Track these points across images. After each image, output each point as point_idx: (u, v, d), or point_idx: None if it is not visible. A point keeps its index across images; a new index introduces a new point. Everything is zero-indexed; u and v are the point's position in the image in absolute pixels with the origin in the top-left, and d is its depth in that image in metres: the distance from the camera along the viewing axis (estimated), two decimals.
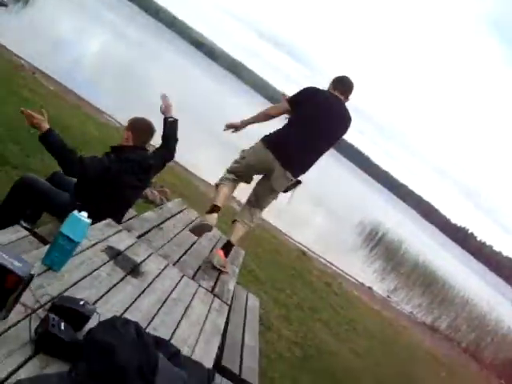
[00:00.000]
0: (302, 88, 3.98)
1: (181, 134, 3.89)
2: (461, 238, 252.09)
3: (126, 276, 2.38)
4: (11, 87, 7.69)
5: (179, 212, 4.45)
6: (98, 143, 7.74)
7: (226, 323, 3.75)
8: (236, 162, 4.05)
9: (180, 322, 2.34)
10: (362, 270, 17.59)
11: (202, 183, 11.75)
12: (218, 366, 2.91)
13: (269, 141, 3.85)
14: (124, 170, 3.29)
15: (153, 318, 2.18)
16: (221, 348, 3.29)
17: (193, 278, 3.09)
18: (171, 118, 3.81)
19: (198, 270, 3.35)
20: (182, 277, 2.91)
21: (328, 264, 13.64)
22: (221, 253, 3.85)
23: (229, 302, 3.12)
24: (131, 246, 2.78)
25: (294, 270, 9.17)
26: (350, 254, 19.65)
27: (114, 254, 2.51)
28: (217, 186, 4.04)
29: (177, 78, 33.11)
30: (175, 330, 2.22)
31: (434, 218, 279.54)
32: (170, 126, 3.80)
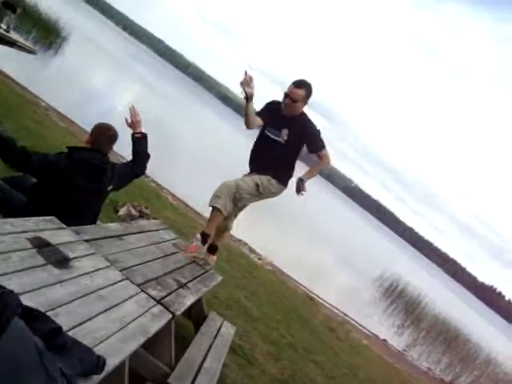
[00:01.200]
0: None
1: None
2: (488, 296, 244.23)
3: (46, 264, 2.23)
4: (15, 116, 7.81)
5: (152, 230, 4.30)
6: None
7: (187, 345, 3.55)
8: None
9: (96, 316, 2.15)
10: (377, 322, 17.01)
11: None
12: (164, 383, 2.71)
13: None
14: (72, 169, 3.20)
15: (60, 305, 2.00)
16: (172, 367, 3.09)
17: (139, 285, 2.89)
18: (139, 133, 3.73)
19: (152, 280, 3.15)
20: (123, 280, 2.73)
21: (337, 311, 13.19)
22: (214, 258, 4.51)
23: (177, 313, 2.90)
24: (69, 242, 2.63)
25: (294, 313, 8.82)
26: (366, 305, 19.06)
27: (40, 244, 2.37)
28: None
29: (205, 131, 33.83)
30: (85, 321, 2.04)
31: (460, 276, 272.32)
32: (138, 142, 3.73)
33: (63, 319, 1.90)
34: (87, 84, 21.52)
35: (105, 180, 3.49)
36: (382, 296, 23.59)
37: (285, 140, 4.20)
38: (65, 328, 1.84)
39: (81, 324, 1.98)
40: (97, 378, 1.69)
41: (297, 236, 24.25)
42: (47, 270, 2.21)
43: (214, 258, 4.66)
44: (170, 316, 2.77)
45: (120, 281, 2.69)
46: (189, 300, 3.34)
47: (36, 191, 3.29)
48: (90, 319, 2.07)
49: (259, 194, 4.20)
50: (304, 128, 4.23)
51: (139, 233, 3.97)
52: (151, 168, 4.27)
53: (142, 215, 6.70)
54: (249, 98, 4.00)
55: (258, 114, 4.25)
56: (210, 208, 4.13)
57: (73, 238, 2.76)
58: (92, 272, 2.51)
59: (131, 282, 2.81)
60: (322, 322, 9.71)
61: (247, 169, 4.52)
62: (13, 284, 1.88)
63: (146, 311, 2.56)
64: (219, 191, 4.04)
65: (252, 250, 13.54)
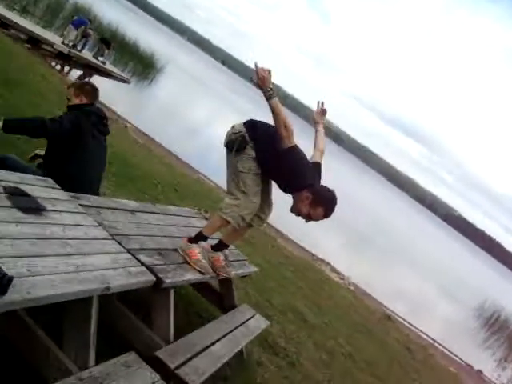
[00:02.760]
0: None
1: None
2: None
3: (10, 207, 2.23)
4: None
5: (180, 215, 4.25)
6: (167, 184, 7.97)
7: (193, 328, 3.38)
8: None
9: (47, 256, 2.09)
10: (473, 351, 15.73)
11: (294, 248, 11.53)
12: (148, 355, 2.59)
13: None
14: (91, 123, 3.56)
15: (3, 238, 1.97)
16: (170, 343, 2.95)
17: (129, 250, 2.79)
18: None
19: (150, 250, 3.05)
20: (107, 239, 2.67)
21: (422, 335, 12.35)
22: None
23: (167, 281, 2.77)
24: (53, 199, 2.63)
25: (363, 327, 8.34)
26: (461, 333, 17.74)
27: (15, 192, 2.39)
28: None
29: None
30: (28, 256, 1.98)
31: None
32: None
33: (0, 248, 1.87)
34: (174, 109, 22.36)
35: (107, 126, 3.88)
36: (481, 325, 21.86)
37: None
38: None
39: (19, 257, 1.92)
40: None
41: (391, 261, 23.42)
42: (9, 211, 2.20)
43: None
44: (153, 279, 2.65)
45: (102, 239, 2.63)
46: (193, 275, 3.21)
47: (51, 156, 3.49)
48: (37, 256, 2.02)
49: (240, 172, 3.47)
50: None
51: (160, 214, 3.93)
52: None
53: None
54: (272, 91, 3.19)
55: None
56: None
57: (62, 197, 2.76)
58: (68, 225, 2.47)
59: (118, 243, 2.74)
60: (398, 341, 9.11)
61: None
62: None
63: (121, 268, 2.46)
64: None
65: (334, 270, 13.26)
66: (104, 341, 2.48)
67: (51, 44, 14.92)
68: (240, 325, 3.92)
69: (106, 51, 18.78)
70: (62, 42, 15.75)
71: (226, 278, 3.99)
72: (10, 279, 1.65)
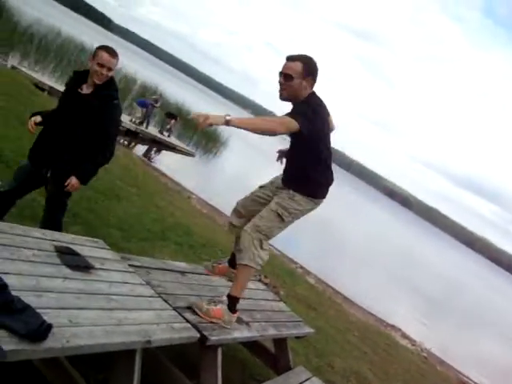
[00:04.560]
0: None
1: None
2: None
3: (59, 264, 2.36)
4: (152, 195, 8.59)
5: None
6: None
7: None
8: None
9: (91, 309, 2.18)
10: None
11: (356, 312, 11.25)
12: None
13: None
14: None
15: (50, 291, 2.08)
16: None
17: (176, 308, 2.84)
18: None
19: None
20: (153, 297, 2.74)
21: None
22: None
23: (212, 338, 2.79)
24: (102, 258, 2.76)
25: None
26: None
27: (65, 251, 2.52)
28: None
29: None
30: (72, 308, 2.08)
31: None
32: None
33: (43, 300, 1.97)
34: (238, 180, 22.85)
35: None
36: None
37: (293, 138, 3.31)
38: (41, 306, 1.91)
39: (63, 309, 2.02)
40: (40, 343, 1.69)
41: (467, 325, 22.11)
42: (57, 268, 2.33)
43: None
44: (197, 336, 2.67)
45: (148, 296, 2.70)
46: (240, 333, 3.20)
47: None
48: (80, 309, 2.11)
49: (288, 222, 3.39)
50: None
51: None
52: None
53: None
54: None
55: None
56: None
57: (112, 257, 2.88)
58: (114, 282, 2.57)
59: (165, 301, 2.80)
60: None
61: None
62: (6, 265, 2.02)
63: (164, 323, 2.51)
64: (242, 243, 3.30)
65: (405, 336, 12.69)
66: None
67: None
68: None
69: (173, 122, 19.73)
70: (130, 120, 16.76)
71: (281, 339, 3.95)
72: (50, 326, 1.74)
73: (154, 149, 17.97)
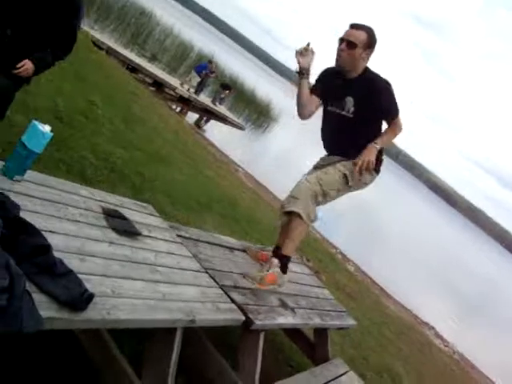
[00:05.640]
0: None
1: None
2: None
3: (105, 227, 2.21)
4: (198, 166, 8.48)
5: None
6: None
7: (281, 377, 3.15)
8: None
9: (136, 280, 2.03)
10: None
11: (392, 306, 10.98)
12: None
13: None
14: None
15: (94, 255, 1.94)
16: None
17: (222, 286, 2.68)
18: None
19: (244, 289, 2.92)
20: (200, 271, 2.58)
21: None
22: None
23: (257, 322, 2.61)
24: (151, 225, 2.60)
25: None
26: None
27: (113, 214, 2.38)
28: None
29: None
30: (116, 277, 1.93)
31: None
32: None
33: (87, 265, 1.83)
34: (286, 158, 22.57)
35: None
36: None
37: (352, 112, 3.12)
38: (84, 271, 1.77)
39: (106, 276, 1.87)
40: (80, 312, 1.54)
41: (504, 332, 21.50)
42: (104, 230, 2.18)
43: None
44: (243, 318, 2.50)
45: (194, 271, 2.54)
46: (285, 319, 3.02)
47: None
48: (124, 278, 1.95)
49: (348, 187, 3.26)
50: (372, 89, 3.08)
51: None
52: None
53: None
54: (303, 72, 3.12)
55: (312, 90, 3.27)
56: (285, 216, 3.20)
57: (161, 224, 2.73)
58: (161, 252, 2.41)
59: (211, 277, 2.63)
60: None
61: None
62: (52, 223, 1.88)
63: (210, 302, 2.34)
64: (297, 191, 3.12)
65: (438, 335, 12.36)
66: (185, 376, 2.35)
67: (173, 88, 15.83)
68: (330, 380, 3.64)
69: (227, 92, 19.58)
70: (181, 84, 16.66)
71: (322, 329, 3.77)
72: (91, 296, 1.58)
73: (205, 118, 17.87)
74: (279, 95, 49.83)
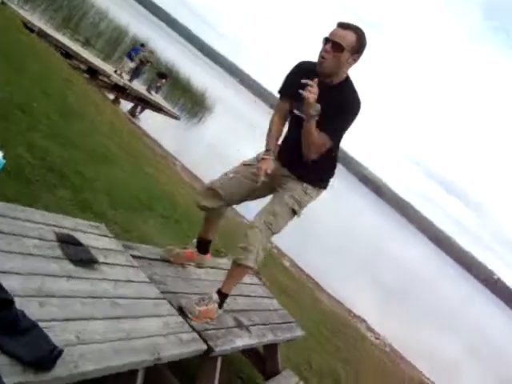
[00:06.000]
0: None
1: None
2: None
3: (61, 258, 2.05)
4: (140, 160, 8.24)
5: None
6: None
7: None
8: None
9: (98, 319, 1.88)
10: None
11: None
12: None
13: None
14: None
15: (53, 296, 1.77)
16: None
17: (181, 310, 2.58)
18: None
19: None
20: (159, 299, 2.45)
21: None
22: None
23: (217, 349, 2.52)
24: (106, 249, 2.45)
25: None
26: None
27: (67, 240, 2.20)
28: None
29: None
30: (78, 319, 1.78)
31: None
32: None
33: (48, 309, 1.67)
34: (219, 148, 22.42)
35: None
36: None
37: (317, 120, 2.67)
38: (46, 318, 1.61)
39: (68, 320, 1.71)
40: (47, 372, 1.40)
41: (427, 321, 22.52)
42: (60, 263, 2.01)
43: (208, 256, 3.51)
44: (204, 348, 2.41)
45: (154, 298, 2.41)
46: (242, 341, 2.95)
47: None
48: (86, 319, 1.81)
49: (298, 216, 3.03)
50: (340, 103, 2.70)
51: (211, 268, 3.70)
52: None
53: None
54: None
55: (282, 96, 2.98)
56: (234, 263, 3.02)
57: (116, 247, 2.57)
58: (119, 281, 2.27)
59: (170, 303, 2.52)
60: None
61: None
62: (3, 261, 1.70)
63: (172, 334, 2.23)
64: (248, 242, 2.87)
65: (369, 328, 12.74)
66: None
67: (108, 76, 15.29)
68: None
69: (163, 81, 19.14)
70: (115, 71, 16.11)
71: (272, 344, 3.72)
72: (60, 352, 1.44)
73: (140, 107, 17.41)
74: (214, 84, 49.51)
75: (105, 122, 9.34)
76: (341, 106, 2.70)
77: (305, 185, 2.98)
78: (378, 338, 12.42)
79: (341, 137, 2.86)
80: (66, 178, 5.14)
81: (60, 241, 2.15)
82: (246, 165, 3.07)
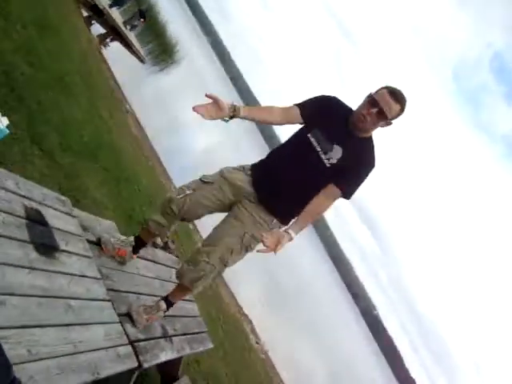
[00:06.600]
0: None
1: None
2: None
3: (28, 242, 1.86)
4: (98, 100, 7.85)
5: (166, 265, 3.89)
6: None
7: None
8: None
9: (51, 326, 1.73)
10: None
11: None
12: None
13: None
14: None
15: (14, 294, 1.60)
16: None
17: (120, 315, 2.44)
18: None
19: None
20: (105, 301, 2.31)
21: None
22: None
23: (144, 366, 2.41)
24: (68, 233, 2.26)
25: None
26: None
27: (35, 219, 2.01)
28: None
29: None
30: (33, 326, 1.61)
31: None
32: None
33: (6, 312, 1.50)
34: (172, 104, 21.88)
35: None
36: None
37: (331, 164, 2.57)
38: (4, 324, 1.44)
39: (25, 327, 1.55)
40: None
41: (304, 331, 23.20)
42: (26, 248, 1.83)
43: (135, 256, 3.12)
44: (135, 365, 2.29)
45: (101, 300, 2.26)
46: (165, 356, 2.86)
47: None
48: (40, 326, 1.65)
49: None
50: (360, 157, 2.62)
51: (151, 261, 3.57)
52: None
53: (165, 248, 6.17)
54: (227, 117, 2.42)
55: (300, 105, 2.70)
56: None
57: (76, 230, 2.39)
58: (75, 276, 2.10)
59: (113, 307, 2.37)
60: None
61: None
62: None
63: (112, 347, 2.10)
64: (201, 273, 2.73)
65: (253, 331, 12.94)
66: None
67: None
68: None
69: (142, 21, 18.36)
70: None
71: None
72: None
73: (111, 37, 16.60)
74: (190, 38, 48.18)
75: (77, 49, 8.83)
76: (362, 159, 2.63)
77: (274, 221, 2.73)
78: (258, 343, 12.65)
79: (356, 190, 2.71)
80: (24, 103, 4.79)
81: (28, 218, 1.95)
82: (206, 182, 2.75)
